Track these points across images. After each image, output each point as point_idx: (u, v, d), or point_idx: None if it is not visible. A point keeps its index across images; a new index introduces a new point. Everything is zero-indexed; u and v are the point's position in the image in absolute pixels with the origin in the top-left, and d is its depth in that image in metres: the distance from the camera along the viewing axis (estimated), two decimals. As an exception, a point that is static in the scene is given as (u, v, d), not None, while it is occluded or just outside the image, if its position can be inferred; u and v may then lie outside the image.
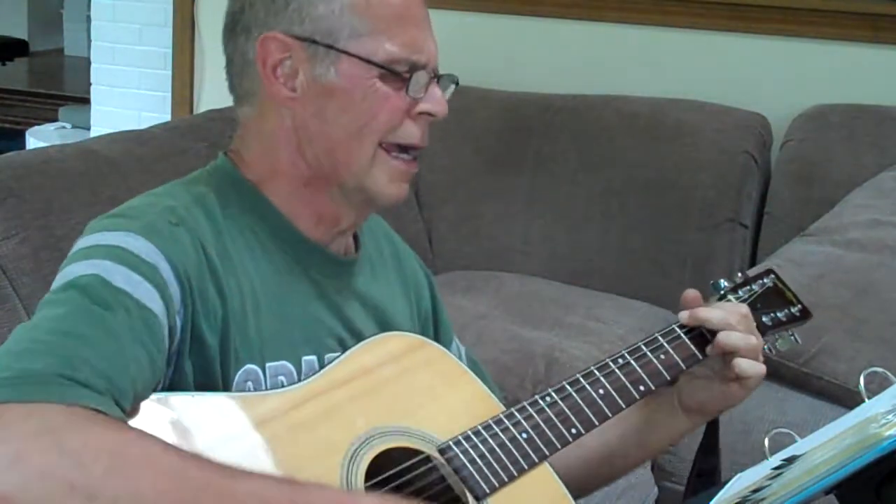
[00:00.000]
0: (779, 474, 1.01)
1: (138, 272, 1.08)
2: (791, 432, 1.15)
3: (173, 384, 1.12)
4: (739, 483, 1.05)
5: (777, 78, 3.07)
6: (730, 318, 1.36)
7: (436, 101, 1.23)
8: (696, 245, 2.82)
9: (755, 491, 1.00)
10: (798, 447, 1.06)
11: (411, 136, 1.22)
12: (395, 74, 1.19)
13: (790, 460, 1.03)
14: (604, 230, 2.89)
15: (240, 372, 1.16)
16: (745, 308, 1.40)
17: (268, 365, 1.19)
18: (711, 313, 1.37)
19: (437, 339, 1.41)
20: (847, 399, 2.16)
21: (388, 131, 1.21)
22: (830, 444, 1.01)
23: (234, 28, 1.23)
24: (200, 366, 1.14)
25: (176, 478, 0.93)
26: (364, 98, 1.19)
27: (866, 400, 1.11)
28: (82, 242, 1.13)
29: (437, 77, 1.23)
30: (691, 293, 1.41)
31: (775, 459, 1.05)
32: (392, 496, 1.06)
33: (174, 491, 0.92)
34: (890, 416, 0.98)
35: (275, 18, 1.19)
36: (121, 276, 1.07)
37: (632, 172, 2.90)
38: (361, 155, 1.21)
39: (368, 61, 1.18)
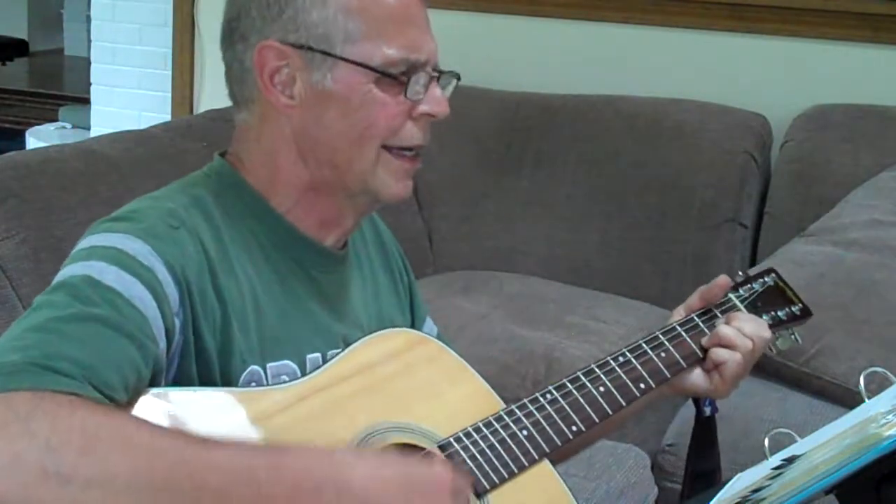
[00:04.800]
0: (779, 474, 1.01)
1: (132, 273, 1.08)
2: (791, 432, 1.15)
3: (176, 384, 1.12)
4: (739, 483, 1.05)
5: (777, 78, 3.07)
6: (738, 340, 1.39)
7: (436, 101, 1.22)
8: (696, 245, 2.82)
9: (755, 491, 1.00)
10: (798, 447, 1.06)
11: (413, 138, 1.22)
12: (392, 78, 1.19)
13: (790, 460, 1.03)
14: (604, 230, 2.89)
15: (244, 374, 1.17)
16: (768, 334, 1.41)
17: (269, 365, 1.19)
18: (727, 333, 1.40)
19: (412, 315, 1.42)
20: (847, 399, 2.16)
21: (388, 136, 1.21)
22: (830, 444, 1.01)
23: (232, 36, 1.23)
24: (202, 366, 1.14)
25: (149, 454, 0.92)
26: (362, 104, 1.19)
27: (866, 400, 1.11)
28: (81, 244, 1.14)
29: (437, 76, 1.23)
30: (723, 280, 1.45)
31: (775, 459, 1.05)
32: (370, 453, 1.05)
33: (148, 468, 0.92)
34: (890, 416, 0.98)
35: (271, 26, 1.19)
36: (112, 276, 1.07)
37: (632, 172, 2.90)
38: (364, 159, 1.21)
39: (365, 66, 1.18)
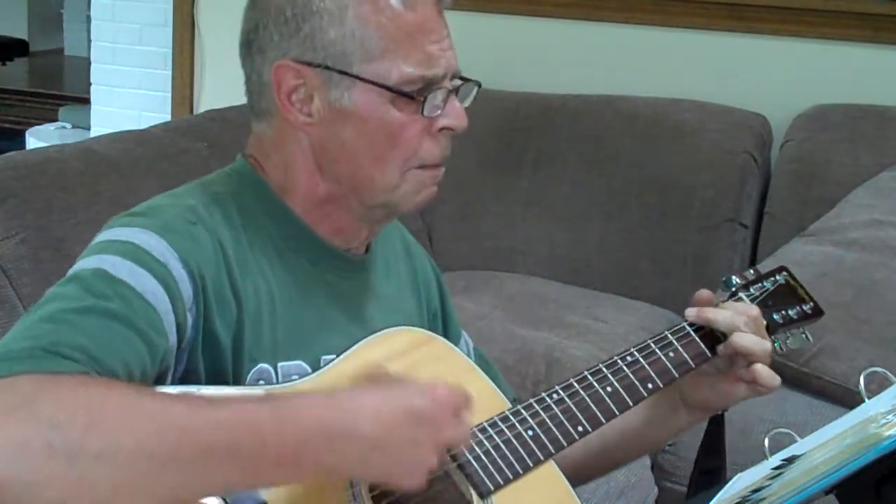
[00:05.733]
0: (779, 474, 1.01)
1: (145, 268, 1.09)
2: (791, 432, 1.15)
3: (184, 379, 1.13)
4: (739, 483, 1.05)
5: (777, 78, 3.07)
6: (737, 319, 1.35)
7: (455, 115, 1.22)
8: (696, 245, 2.82)
9: (755, 491, 1.00)
10: (798, 447, 1.06)
11: (433, 157, 1.22)
12: (409, 97, 1.18)
13: (790, 460, 1.03)
14: (604, 230, 2.89)
15: (252, 371, 1.17)
16: (755, 310, 1.38)
17: (280, 364, 1.19)
18: (718, 314, 1.36)
19: (445, 336, 1.40)
20: (847, 399, 2.16)
21: (409, 156, 1.21)
22: (830, 444, 1.01)
23: (250, 47, 1.23)
24: (213, 363, 1.14)
25: (155, 422, 0.92)
26: (380, 127, 1.19)
27: (866, 400, 1.11)
28: (98, 238, 1.15)
29: (457, 87, 1.22)
30: (705, 293, 1.40)
31: (775, 459, 1.06)
32: (370, 390, 1.05)
33: (155, 436, 0.91)
34: (890, 416, 0.98)
35: (288, 43, 1.18)
36: (125, 270, 1.08)
37: (632, 172, 2.90)
38: (385, 180, 1.21)
39: (381, 85, 1.17)
